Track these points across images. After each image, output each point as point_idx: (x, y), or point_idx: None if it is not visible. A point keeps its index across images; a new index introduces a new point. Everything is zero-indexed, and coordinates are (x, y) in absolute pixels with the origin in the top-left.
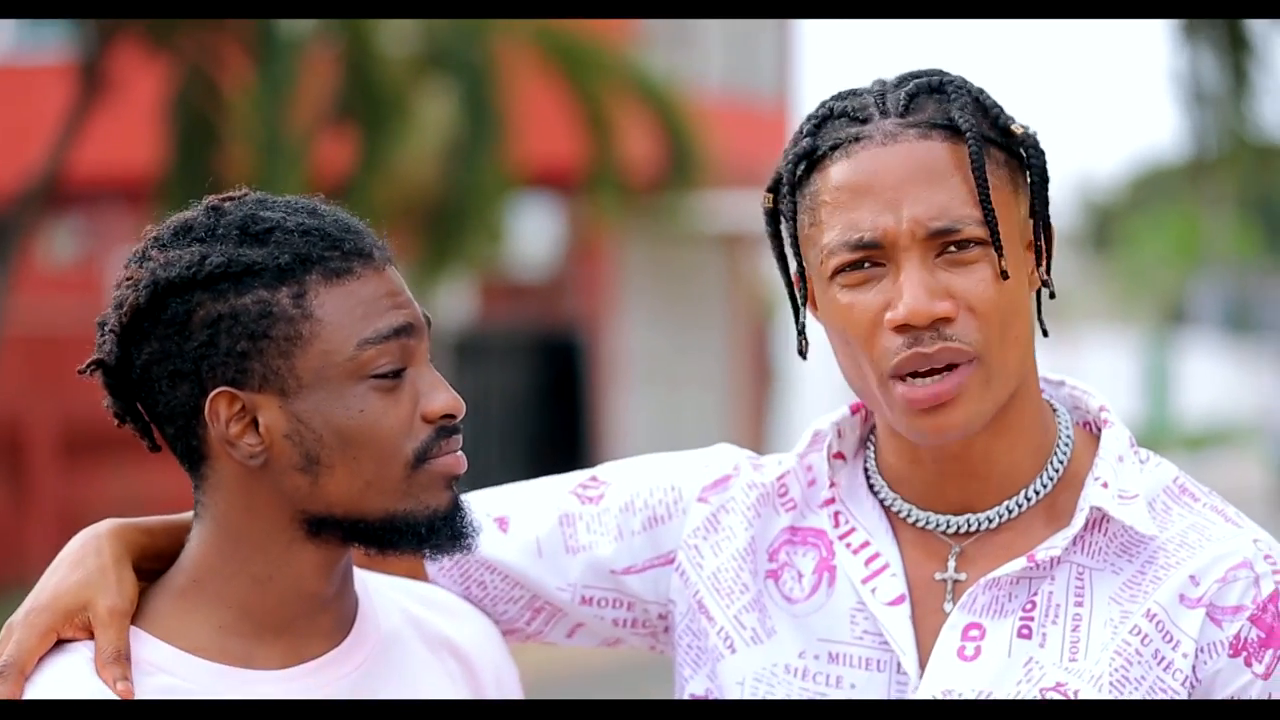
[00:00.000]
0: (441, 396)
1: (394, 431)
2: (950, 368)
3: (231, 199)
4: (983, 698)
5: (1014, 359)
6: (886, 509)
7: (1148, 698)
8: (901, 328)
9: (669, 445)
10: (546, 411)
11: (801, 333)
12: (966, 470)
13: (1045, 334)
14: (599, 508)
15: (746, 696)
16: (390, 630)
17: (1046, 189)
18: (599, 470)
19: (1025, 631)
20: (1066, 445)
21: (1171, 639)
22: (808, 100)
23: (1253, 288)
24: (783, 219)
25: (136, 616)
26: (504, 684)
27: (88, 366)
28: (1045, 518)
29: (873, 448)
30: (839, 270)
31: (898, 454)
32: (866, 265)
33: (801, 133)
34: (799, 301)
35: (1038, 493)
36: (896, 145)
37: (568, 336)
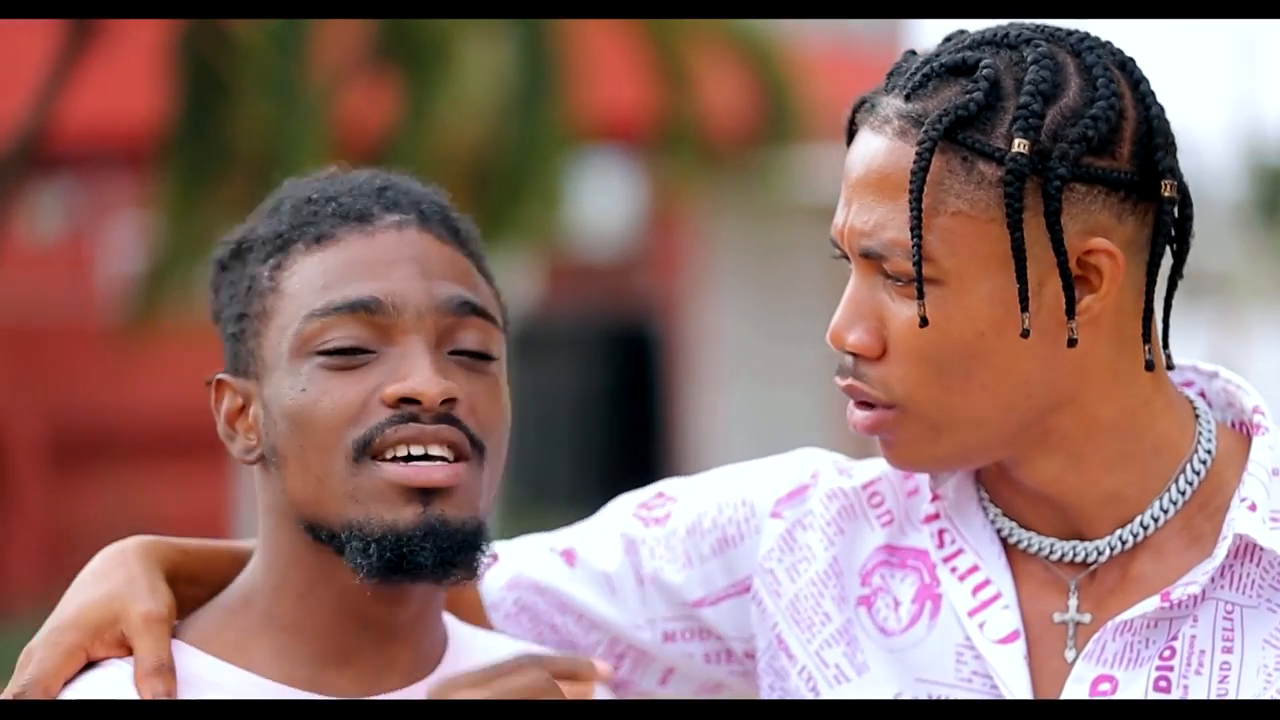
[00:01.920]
0: (414, 377)
1: (334, 414)
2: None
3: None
4: None
5: (984, 406)
6: (999, 532)
7: None
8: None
9: (763, 452)
10: (620, 412)
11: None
12: (1051, 502)
13: (1149, 367)
14: (665, 530)
15: None
16: None
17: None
18: (666, 485)
19: (1163, 684)
20: (1205, 458)
21: None
22: (920, 44)
23: None
24: None
25: (185, 635)
26: None
27: None
28: (1183, 540)
29: None
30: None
31: (992, 471)
32: (841, 257)
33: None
34: None
35: (1156, 519)
36: (877, 137)
37: (644, 325)
